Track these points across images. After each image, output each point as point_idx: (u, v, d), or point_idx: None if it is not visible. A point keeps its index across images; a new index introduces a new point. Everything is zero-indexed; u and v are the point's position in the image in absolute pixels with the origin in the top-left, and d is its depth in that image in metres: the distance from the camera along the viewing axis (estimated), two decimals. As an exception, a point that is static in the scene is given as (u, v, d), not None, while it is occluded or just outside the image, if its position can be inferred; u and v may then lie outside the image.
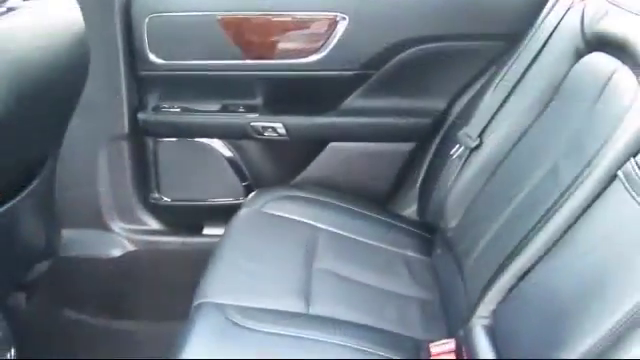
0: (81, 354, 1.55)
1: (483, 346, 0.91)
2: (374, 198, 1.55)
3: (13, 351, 1.05)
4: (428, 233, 1.45)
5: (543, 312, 0.80)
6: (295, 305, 1.11)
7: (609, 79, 1.02)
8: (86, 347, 1.57)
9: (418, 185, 1.54)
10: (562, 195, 0.92)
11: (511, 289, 0.92)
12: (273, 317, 1.06)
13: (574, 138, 1.03)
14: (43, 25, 1.13)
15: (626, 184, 0.77)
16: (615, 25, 1.06)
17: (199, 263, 1.26)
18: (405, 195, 1.59)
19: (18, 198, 1.24)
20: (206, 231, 1.66)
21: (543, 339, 0.76)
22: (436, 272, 1.33)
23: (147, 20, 1.46)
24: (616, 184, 0.80)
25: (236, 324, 1.02)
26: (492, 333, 0.92)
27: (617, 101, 0.97)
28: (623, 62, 1.02)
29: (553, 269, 0.84)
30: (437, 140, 1.51)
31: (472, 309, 0.98)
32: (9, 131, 1.04)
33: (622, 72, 1.00)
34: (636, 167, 0.77)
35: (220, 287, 1.13)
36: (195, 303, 1.09)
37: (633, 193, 0.75)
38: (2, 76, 0.98)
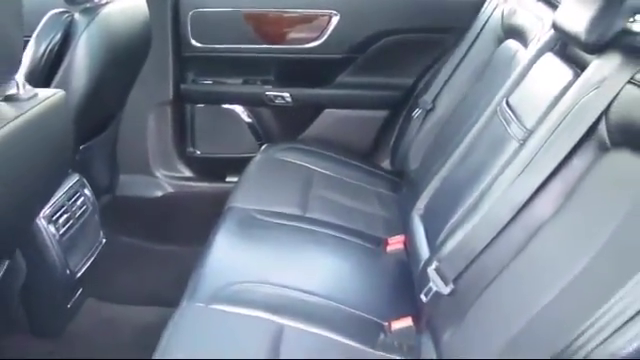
0: (131, 269, 1.97)
1: (416, 227, 1.38)
2: (358, 152, 2.00)
3: (102, 232, 1.51)
4: (398, 178, 1.91)
5: (448, 194, 1.28)
6: (295, 211, 1.57)
7: (514, 56, 1.49)
8: (135, 263, 1.97)
9: (392, 142, 1.99)
10: (472, 126, 1.39)
11: (437, 189, 1.39)
12: (280, 216, 1.52)
13: (492, 97, 1.48)
14: (124, 13, 1.60)
15: (499, 114, 1.24)
16: (519, 19, 1.54)
17: (221, 203, 1.64)
18: (382, 150, 2.03)
19: (92, 142, 1.70)
20: (228, 179, 2.07)
21: (446, 208, 1.23)
22: (400, 203, 1.79)
23: (191, 14, 1.94)
24: (496, 115, 1.27)
25: (254, 217, 1.49)
26: (424, 218, 1.39)
27: (515, 69, 1.44)
28: (522, 44, 1.49)
29: (457, 170, 1.32)
30: (406, 108, 1.96)
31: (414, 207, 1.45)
32: (101, 89, 1.49)
33: (521, 51, 1.48)
34: (504, 103, 1.24)
35: (243, 197, 1.60)
36: (226, 207, 1.56)
37: (501, 118, 1.22)
38: (104, 46, 1.45)
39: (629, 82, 0.90)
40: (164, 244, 2.03)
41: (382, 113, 2.03)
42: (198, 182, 2.09)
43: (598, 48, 1.03)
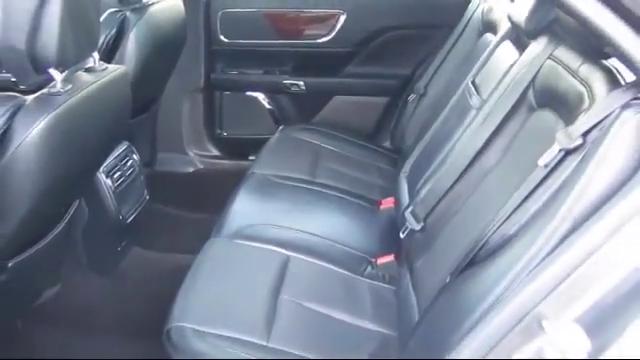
0: (167, 232, 2.28)
1: (402, 185, 1.68)
2: (363, 133, 2.29)
3: (146, 191, 1.83)
4: (396, 155, 2.19)
5: (426, 156, 1.57)
6: (306, 176, 1.87)
7: (488, 46, 1.77)
8: (170, 228, 2.27)
9: (392, 125, 2.28)
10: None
11: (419, 153, 1.68)
12: (293, 179, 1.82)
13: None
14: (165, 13, 1.92)
15: (466, 91, 1.53)
16: (494, 15, 1.82)
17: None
18: (384, 131, 2.32)
19: (137, 119, 2.00)
20: (250, 157, 2.30)
21: (423, 166, 1.53)
22: (395, 174, 2.07)
23: (220, 14, 2.26)
24: (464, 92, 1.56)
25: (271, 180, 1.80)
26: (408, 177, 1.68)
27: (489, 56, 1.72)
28: (495, 36, 1.77)
29: (434, 137, 1.61)
30: (404, 95, 2.25)
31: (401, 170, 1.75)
32: (145, 75, 1.79)
33: (494, 41, 1.76)
34: (470, 83, 1.53)
35: (262, 166, 1.91)
36: (249, 173, 1.87)
37: (467, 94, 1.51)
38: (149, 40, 1.77)
39: (549, 58, 1.19)
40: (194, 213, 2.30)
41: (384, 99, 2.32)
42: (224, 160, 2.40)
43: (535, 34, 1.31)
